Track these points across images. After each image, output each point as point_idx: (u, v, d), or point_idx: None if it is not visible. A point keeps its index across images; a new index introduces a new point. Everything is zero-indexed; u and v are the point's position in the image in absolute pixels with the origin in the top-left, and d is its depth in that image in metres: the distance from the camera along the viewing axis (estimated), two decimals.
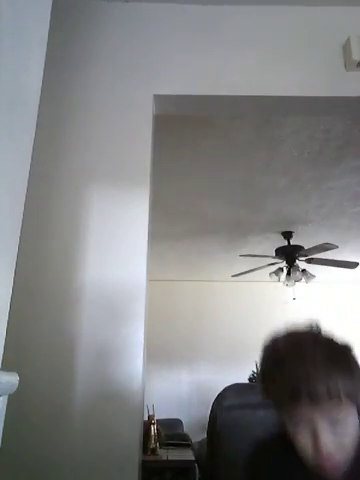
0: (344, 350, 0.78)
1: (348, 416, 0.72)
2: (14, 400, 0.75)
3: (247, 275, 4.48)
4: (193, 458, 2.92)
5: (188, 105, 1.71)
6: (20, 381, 0.71)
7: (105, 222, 1.47)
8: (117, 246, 1.44)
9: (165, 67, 1.65)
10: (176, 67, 1.65)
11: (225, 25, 1.70)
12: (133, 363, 1.33)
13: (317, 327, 0.81)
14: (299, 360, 0.74)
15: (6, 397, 0.70)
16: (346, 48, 1.63)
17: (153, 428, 2.97)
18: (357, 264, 4.17)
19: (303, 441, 0.72)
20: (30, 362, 1.29)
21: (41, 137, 1.04)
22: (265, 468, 0.85)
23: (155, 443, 2.95)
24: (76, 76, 1.62)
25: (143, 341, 1.36)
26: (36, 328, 1.34)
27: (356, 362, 0.76)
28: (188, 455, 3.07)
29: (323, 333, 0.80)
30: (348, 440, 0.72)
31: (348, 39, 1.62)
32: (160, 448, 3.02)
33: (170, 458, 2.94)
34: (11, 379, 0.69)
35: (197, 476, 2.86)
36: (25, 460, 1.22)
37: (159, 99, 1.62)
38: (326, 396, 0.69)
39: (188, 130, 2.55)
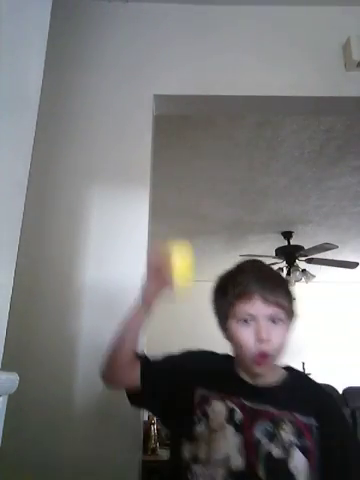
0: (285, 280, 1.00)
1: (284, 324, 0.87)
2: (14, 400, 0.75)
3: None
4: None
5: (188, 105, 1.71)
6: (20, 381, 0.71)
7: (105, 222, 1.47)
8: (117, 246, 1.44)
9: (165, 67, 1.65)
10: (176, 67, 1.65)
11: (225, 25, 1.70)
12: None
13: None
14: (257, 271, 0.92)
15: (6, 397, 0.70)
16: (346, 48, 1.63)
17: (153, 428, 2.97)
18: (357, 264, 4.17)
19: (245, 335, 0.86)
20: (30, 362, 1.29)
21: (41, 137, 1.04)
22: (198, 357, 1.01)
23: (155, 443, 2.96)
24: (76, 76, 1.62)
25: (143, 341, 1.36)
26: (36, 328, 1.34)
27: (292, 292, 0.93)
28: None
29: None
30: (280, 343, 0.86)
31: (348, 39, 1.62)
32: (160, 448, 3.02)
33: None
34: (11, 379, 0.69)
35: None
36: (25, 460, 1.21)
37: (159, 99, 1.62)
38: (273, 298, 0.86)
39: (188, 130, 2.55)
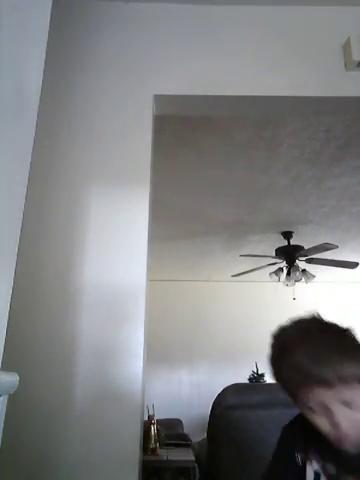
0: (348, 334, 0.80)
1: (359, 394, 0.73)
2: (14, 400, 0.75)
3: (247, 275, 4.48)
4: (193, 458, 2.92)
5: (188, 105, 1.71)
6: (20, 381, 0.71)
7: (105, 222, 1.47)
8: (117, 246, 1.44)
9: (165, 67, 1.65)
10: (176, 67, 1.65)
11: (225, 25, 1.70)
12: (133, 363, 1.33)
13: (319, 315, 0.84)
14: (308, 344, 0.77)
15: (6, 397, 0.70)
16: (346, 48, 1.63)
17: (153, 428, 2.97)
18: (357, 264, 4.17)
19: (319, 422, 0.74)
20: (30, 362, 1.29)
21: (41, 137, 1.04)
22: (291, 444, 0.86)
23: (155, 443, 2.96)
24: (76, 76, 1.62)
25: (143, 341, 1.36)
26: (36, 328, 1.34)
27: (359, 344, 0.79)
28: (188, 455, 3.08)
29: (326, 320, 0.83)
30: None
31: (348, 39, 1.62)
32: (160, 448, 3.02)
33: (170, 458, 2.94)
34: (11, 379, 0.69)
35: (197, 476, 2.86)
36: (25, 460, 1.21)
37: (159, 99, 1.62)
38: (336, 380, 0.71)
39: (188, 130, 2.55)
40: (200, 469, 2.73)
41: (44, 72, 0.94)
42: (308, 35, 1.69)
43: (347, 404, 0.72)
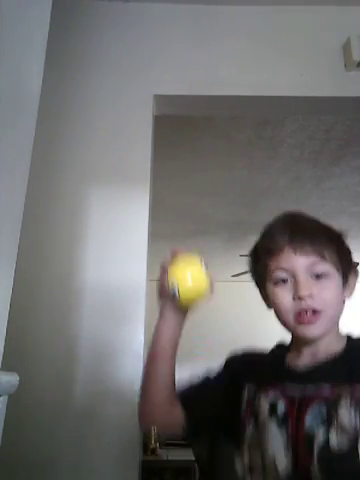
0: (330, 229, 0.79)
1: (331, 277, 0.71)
2: (14, 400, 0.75)
3: (247, 275, 4.48)
4: (193, 458, 2.92)
5: (188, 105, 1.71)
6: (20, 381, 0.71)
7: (105, 222, 1.47)
8: (117, 246, 1.44)
9: (165, 67, 1.65)
10: (176, 67, 1.65)
11: (225, 25, 1.70)
12: (133, 363, 1.33)
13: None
14: (285, 221, 0.78)
15: (6, 397, 0.70)
16: (346, 48, 1.63)
17: (153, 428, 2.96)
18: (357, 264, 4.17)
19: (280, 295, 0.72)
20: (30, 362, 1.29)
21: (41, 137, 1.04)
22: (238, 372, 0.83)
23: (155, 443, 2.96)
24: (76, 76, 1.62)
25: (143, 341, 1.36)
26: (36, 328, 1.34)
27: (346, 245, 0.78)
28: (188, 455, 3.08)
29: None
30: (327, 300, 0.70)
31: (348, 39, 1.62)
32: (160, 448, 3.02)
33: (170, 458, 2.95)
34: (11, 379, 0.69)
35: (197, 476, 2.86)
36: (25, 460, 1.22)
37: (159, 99, 1.62)
38: (309, 247, 0.70)
39: (188, 130, 2.55)
40: (200, 469, 2.73)
41: (44, 72, 0.94)
42: (308, 35, 1.69)
43: (317, 277, 0.70)
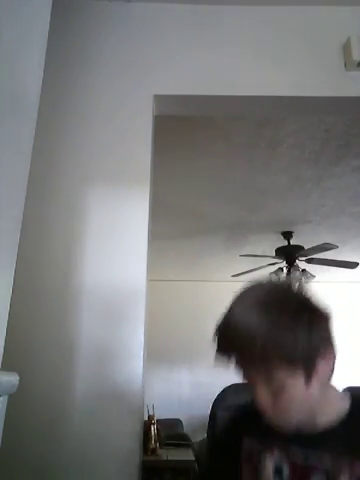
0: (302, 309, 0.69)
1: (287, 379, 0.65)
2: (14, 400, 0.75)
3: (247, 275, 4.48)
4: (193, 458, 2.92)
5: (188, 105, 1.71)
6: (20, 381, 0.71)
7: (105, 222, 1.46)
8: (117, 246, 1.44)
9: (165, 67, 1.65)
10: (176, 67, 1.65)
11: (225, 25, 1.70)
12: (133, 363, 1.33)
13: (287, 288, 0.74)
14: (238, 310, 0.71)
15: (6, 397, 0.70)
16: (346, 48, 1.63)
17: (153, 428, 2.97)
18: (357, 264, 4.17)
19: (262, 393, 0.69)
20: (30, 362, 1.29)
21: (41, 137, 1.04)
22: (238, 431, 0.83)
23: (155, 443, 2.96)
24: (76, 76, 1.62)
25: (143, 341, 1.36)
26: (36, 328, 1.34)
27: (314, 323, 0.67)
28: (188, 455, 3.08)
29: (299, 291, 0.72)
30: (287, 401, 0.66)
31: (348, 39, 1.62)
32: (160, 448, 3.02)
33: (170, 458, 2.95)
34: (11, 379, 0.69)
35: (197, 476, 2.86)
36: (25, 460, 1.21)
37: (159, 99, 1.62)
38: (259, 355, 0.65)
39: (188, 130, 2.55)
40: (200, 469, 2.73)
41: (44, 72, 0.94)
42: (308, 35, 1.69)
43: (269, 382, 0.66)
